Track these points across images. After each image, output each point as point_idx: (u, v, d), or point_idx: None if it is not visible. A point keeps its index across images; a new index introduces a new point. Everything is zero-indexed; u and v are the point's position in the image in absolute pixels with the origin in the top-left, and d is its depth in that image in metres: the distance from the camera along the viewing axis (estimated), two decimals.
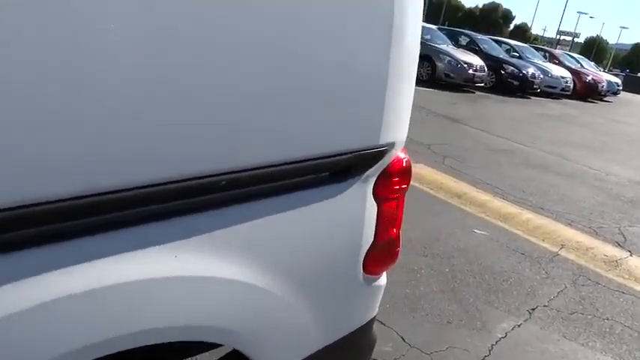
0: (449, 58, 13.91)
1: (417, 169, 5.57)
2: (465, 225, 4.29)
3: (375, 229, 1.31)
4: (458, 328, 2.81)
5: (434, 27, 16.89)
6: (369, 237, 1.30)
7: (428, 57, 13.88)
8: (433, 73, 13.96)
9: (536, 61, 18.28)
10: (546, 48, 27.57)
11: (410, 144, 6.40)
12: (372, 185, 1.26)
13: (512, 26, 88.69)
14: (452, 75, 13.87)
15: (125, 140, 0.75)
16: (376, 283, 1.42)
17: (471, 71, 14.02)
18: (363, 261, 1.32)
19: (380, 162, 1.23)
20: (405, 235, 3.77)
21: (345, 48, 1.04)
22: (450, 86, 14.01)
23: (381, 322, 2.69)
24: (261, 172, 0.96)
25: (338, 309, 1.32)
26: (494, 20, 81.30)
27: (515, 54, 18.39)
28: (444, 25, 27.70)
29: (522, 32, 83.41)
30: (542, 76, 17.07)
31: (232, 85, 0.85)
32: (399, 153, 1.33)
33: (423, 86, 13.15)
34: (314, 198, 1.12)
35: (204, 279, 0.93)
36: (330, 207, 1.16)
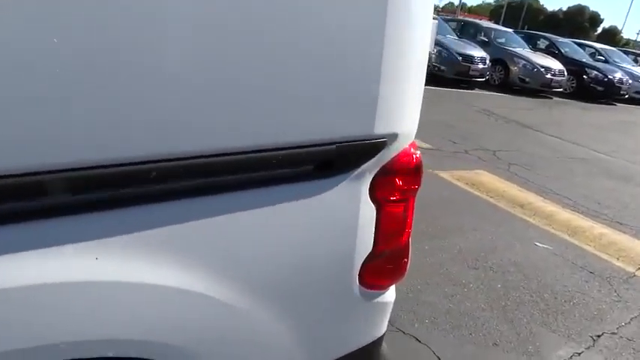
0: (524, 62, 13.19)
1: (477, 175, 5.23)
2: (526, 237, 3.92)
3: (375, 236, 1.13)
4: (506, 351, 2.52)
5: (509, 30, 16.12)
6: (365, 245, 1.12)
7: (501, 60, 13.25)
8: (506, 78, 13.29)
9: (624, 65, 16.95)
10: (637, 52, 25.58)
11: (473, 150, 6.06)
12: (369, 184, 1.08)
13: (599, 30, 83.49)
14: (527, 79, 13.13)
15: (22, 120, 0.63)
16: (379, 300, 1.22)
17: (548, 75, 13.21)
18: (360, 273, 1.14)
19: (376, 157, 1.05)
20: (454, 244, 3.54)
21: (327, 14, 0.88)
22: (525, 91, 13.25)
23: (417, 339, 2.47)
24: (211, 160, 0.81)
25: (328, 328, 1.15)
26: (580, 24, 76.86)
27: (601, 58, 17.16)
28: (522, 29, 26.47)
29: (611, 36, 78.21)
30: (630, 81, 15.77)
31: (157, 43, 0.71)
32: (407, 148, 1.14)
33: (494, 91, 12.56)
34: (289, 195, 0.96)
35: (137, 286, 0.79)
36: (311, 207, 0.99)
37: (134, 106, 0.71)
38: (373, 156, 1.04)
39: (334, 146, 0.96)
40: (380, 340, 1.32)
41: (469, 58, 11.88)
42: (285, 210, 0.95)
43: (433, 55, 11.75)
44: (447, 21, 14.29)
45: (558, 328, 2.81)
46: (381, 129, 1.02)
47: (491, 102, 10.66)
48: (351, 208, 1.06)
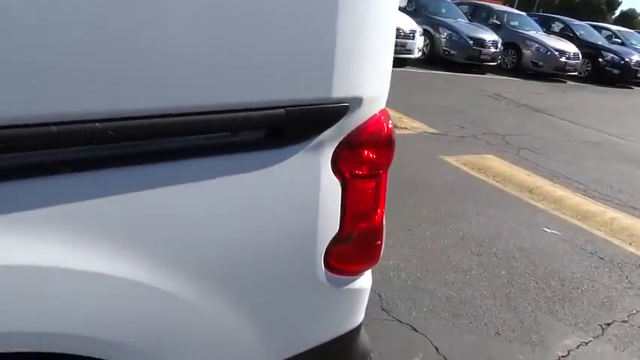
0: (537, 45, 12.86)
1: (484, 159, 5.06)
2: (533, 222, 3.77)
3: (342, 215, 1.01)
4: (508, 341, 2.39)
5: (523, 13, 15.73)
6: (330, 225, 1.00)
7: (514, 44, 12.94)
8: (519, 62, 12.97)
9: None
10: None
11: (482, 135, 5.90)
12: (331, 156, 0.95)
13: (617, 13, 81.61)
14: (540, 63, 12.80)
15: None
16: (351, 286, 1.10)
17: (562, 59, 12.88)
18: (327, 257, 1.02)
19: (337, 124, 0.92)
20: (457, 230, 3.40)
21: None
22: (538, 75, 12.94)
23: (414, 328, 2.35)
24: (129, 124, 0.69)
25: (291, 318, 1.03)
26: (597, 7, 75.18)
27: (618, 40, 16.72)
28: (537, 13, 25.88)
29: (629, 19, 76.33)
30: None
31: None
32: (376, 116, 1.01)
33: (506, 75, 12.28)
34: (233, 167, 0.84)
35: (48, 270, 0.68)
36: (260, 182, 0.87)
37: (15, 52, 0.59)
38: (333, 124, 0.91)
39: (283, 110, 0.83)
40: (355, 330, 1.20)
41: (480, 42, 11.61)
42: (229, 184, 0.84)
43: (443, 39, 11.51)
44: (458, 4, 13.95)
45: (565, 316, 2.67)
46: (340, 92, 0.89)
47: (503, 86, 10.41)
48: (310, 184, 0.94)
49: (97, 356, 0.79)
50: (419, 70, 10.28)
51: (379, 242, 1.11)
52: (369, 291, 1.20)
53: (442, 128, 5.99)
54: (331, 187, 0.97)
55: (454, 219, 3.58)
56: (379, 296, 2.53)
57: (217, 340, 0.93)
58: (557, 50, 12.86)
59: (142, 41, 0.67)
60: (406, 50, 10.01)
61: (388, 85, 1.03)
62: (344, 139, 0.96)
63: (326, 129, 0.91)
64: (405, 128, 5.69)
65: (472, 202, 3.94)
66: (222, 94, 0.77)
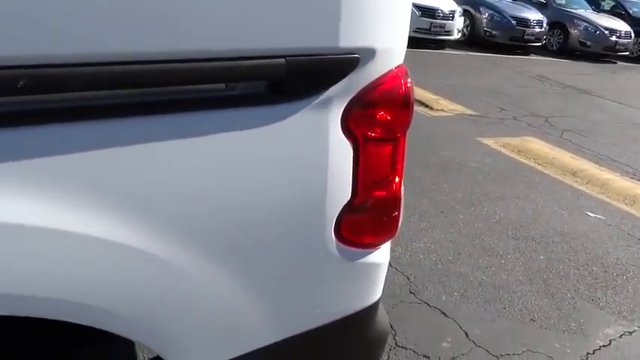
0: (585, 24, 12.23)
1: (525, 142, 4.85)
2: (576, 206, 3.57)
3: (354, 182, 0.92)
4: (544, 328, 2.26)
5: None
6: (340, 191, 0.91)
7: (560, 23, 12.36)
8: (565, 42, 12.39)
9: None
10: None
11: (523, 117, 5.67)
12: (340, 115, 0.87)
13: None
14: (588, 43, 12.19)
15: None
16: (365, 260, 1.02)
17: (613, 38, 12.22)
18: (338, 227, 0.94)
19: (346, 79, 0.83)
20: (493, 213, 3.26)
21: None
22: (586, 56, 12.33)
23: (442, 312, 2.25)
24: (113, 70, 0.63)
25: (300, 293, 0.96)
26: None
27: None
28: None
29: None
30: None
31: None
32: (392, 71, 0.91)
33: (551, 56, 11.76)
34: (231, 124, 0.76)
35: (38, 230, 0.64)
36: (262, 138, 0.80)
37: None
38: (341, 78, 0.83)
39: (283, 60, 0.75)
40: (371, 309, 1.12)
41: (524, 22, 11.14)
42: (228, 141, 0.77)
43: (484, 20, 11.11)
44: None
45: (607, 304, 2.51)
46: (349, 41, 0.81)
47: (548, 68, 9.97)
48: (317, 145, 0.86)
49: (98, 326, 0.75)
50: (458, 52, 9.96)
51: (396, 213, 1.02)
52: (386, 267, 1.11)
53: (481, 110, 5.78)
54: (341, 150, 0.88)
55: (490, 202, 3.43)
56: (408, 279, 2.44)
57: (221, 311, 0.87)
58: (607, 29, 12.21)
59: None
60: (445, 32, 9.71)
61: (406, 38, 0.93)
62: (355, 96, 0.87)
63: (333, 83, 0.82)
64: (442, 110, 5.51)
65: (510, 184, 3.77)
66: (213, 39, 0.69)
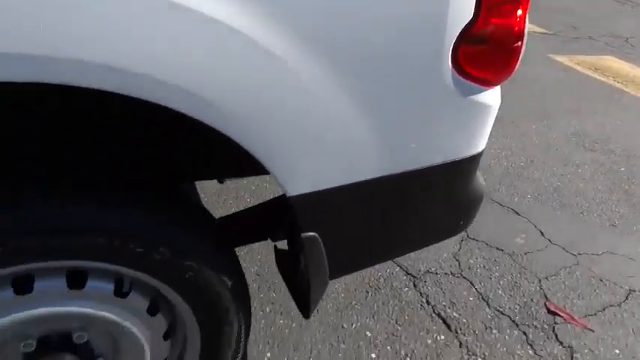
0: None
1: (602, 60, 4.51)
2: None
3: (477, 2, 0.83)
4: (625, 234, 2.15)
5: None
6: (462, 7, 0.82)
7: None
8: None
9: None
10: None
11: (600, 36, 5.23)
12: None
13: None
14: None
15: None
16: (477, 98, 0.94)
17: None
18: (455, 54, 0.86)
19: None
20: (568, 125, 3.08)
21: None
22: None
23: (515, 211, 2.17)
24: None
25: (410, 123, 0.90)
26: None
27: None
28: None
29: None
30: None
31: None
32: None
33: None
34: None
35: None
36: None
37: None
38: None
39: None
40: (475, 159, 1.05)
41: None
42: None
43: None
44: None
45: None
46: None
47: None
48: None
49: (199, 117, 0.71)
50: None
51: (519, 44, 0.92)
52: (495, 113, 1.03)
53: (553, 28, 5.38)
54: None
55: (565, 115, 3.23)
56: None
57: (336, 133, 0.82)
58: None
59: None
60: None
61: None
62: None
63: None
64: None
65: (587, 99, 3.53)
66: None
